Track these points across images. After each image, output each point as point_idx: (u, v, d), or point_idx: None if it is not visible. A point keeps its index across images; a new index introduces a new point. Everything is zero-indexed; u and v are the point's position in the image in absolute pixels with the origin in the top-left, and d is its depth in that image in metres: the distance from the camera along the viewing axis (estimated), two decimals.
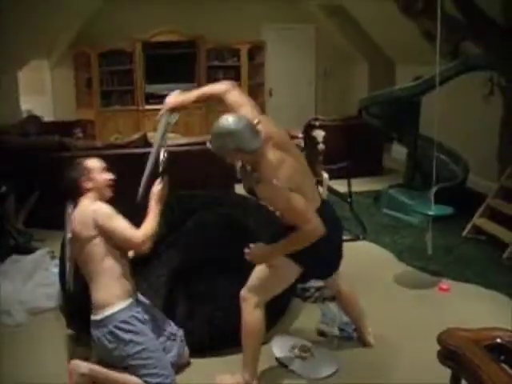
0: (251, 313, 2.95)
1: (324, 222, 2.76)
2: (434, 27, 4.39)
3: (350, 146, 7.05)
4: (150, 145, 5.70)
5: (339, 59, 10.64)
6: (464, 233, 5.28)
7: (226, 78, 10.63)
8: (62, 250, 3.63)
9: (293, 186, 2.70)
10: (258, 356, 3.02)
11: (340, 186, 5.61)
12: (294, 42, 10.71)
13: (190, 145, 5.85)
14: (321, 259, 2.97)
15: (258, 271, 2.97)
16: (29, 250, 4.80)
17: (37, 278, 4.32)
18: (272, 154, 2.72)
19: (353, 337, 3.52)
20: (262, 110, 10.91)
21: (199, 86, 10.64)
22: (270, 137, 2.76)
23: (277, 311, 3.65)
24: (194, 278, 3.45)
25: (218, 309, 3.35)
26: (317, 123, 5.24)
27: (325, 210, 2.91)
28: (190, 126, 10.17)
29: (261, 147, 2.70)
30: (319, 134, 5.15)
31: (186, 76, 10.61)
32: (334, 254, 3.16)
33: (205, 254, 3.53)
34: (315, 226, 2.72)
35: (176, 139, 6.34)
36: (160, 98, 11.45)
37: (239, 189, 5.83)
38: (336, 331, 3.57)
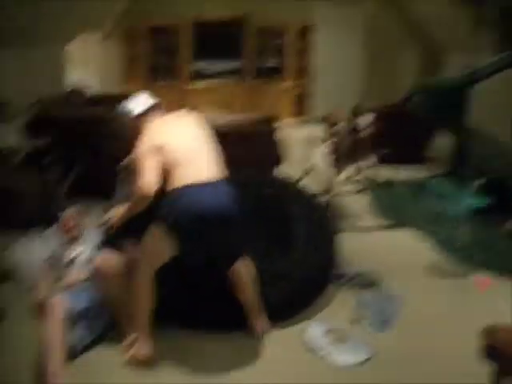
0: (139, 283, 3.02)
1: (199, 203, 2.83)
2: (492, 15, 4.27)
3: (394, 132, 6.91)
4: None
5: (389, 44, 10.43)
6: (507, 226, 5.15)
7: (272, 58, 10.67)
8: None
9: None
10: (148, 325, 3.06)
11: (384, 172, 5.53)
12: (343, 24, 10.54)
13: (231, 125, 5.82)
14: (188, 236, 2.92)
15: (144, 237, 3.04)
16: None
17: None
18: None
19: (383, 327, 3.48)
20: (308, 91, 10.88)
21: (246, 64, 10.64)
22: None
23: (309, 296, 3.65)
24: None
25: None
26: (364, 108, 5.15)
27: (202, 190, 2.90)
28: (234, 104, 10.15)
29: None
30: (366, 119, 5.08)
31: (232, 54, 10.58)
32: (215, 240, 3.03)
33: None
34: (141, 184, 2.86)
35: (218, 118, 6.33)
36: (205, 76, 11.50)
37: (281, 169, 5.82)
38: (369, 319, 3.53)
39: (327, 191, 5.27)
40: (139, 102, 3.27)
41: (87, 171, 5.60)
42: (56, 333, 2.95)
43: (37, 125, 5.97)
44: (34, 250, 4.21)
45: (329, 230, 3.93)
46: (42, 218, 4.99)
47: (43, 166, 5.45)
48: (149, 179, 2.86)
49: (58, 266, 3.69)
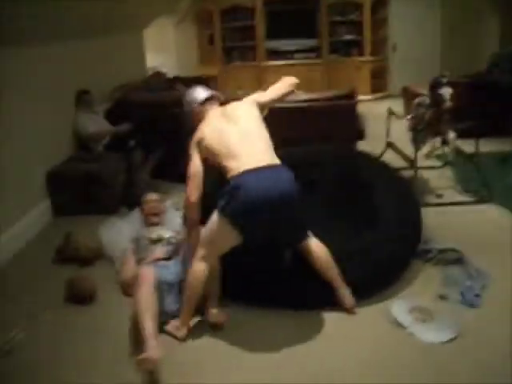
0: (195, 266, 3.09)
1: (252, 189, 2.86)
2: None
3: (478, 104, 6.68)
4: None
5: (467, 12, 10.01)
6: None
7: (347, 33, 10.51)
8: None
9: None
10: (191, 310, 3.15)
11: (467, 145, 5.35)
12: None
13: (312, 101, 5.78)
14: (252, 226, 2.96)
15: (207, 225, 3.08)
16: None
17: None
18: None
19: (475, 303, 3.39)
20: (385, 65, 10.66)
21: (321, 41, 10.52)
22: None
23: (395, 272, 3.61)
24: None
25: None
26: (444, 80, 4.98)
27: (260, 176, 2.93)
28: (312, 81, 10.08)
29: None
30: (446, 92, 4.91)
31: (307, 31, 10.49)
32: (272, 225, 3.04)
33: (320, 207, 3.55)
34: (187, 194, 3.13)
35: (298, 95, 6.30)
36: (281, 54, 11.51)
37: (362, 145, 5.75)
38: (457, 296, 3.44)
39: (409, 166, 5.16)
40: (199, 93, 3.46)
41: (166, 155, 5.74)
42: (149, 299, 3.08)
43: (119, 110, 6.14)
44: (121, 231, 4.38)
45: (413, 205, 3.87)
46: (127, 201, 5.17)
47: (126, 150, 5.63)
48: (192, 189, 3.14)
49: (142, 245, 3.82)
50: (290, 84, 3.44)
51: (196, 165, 3.15)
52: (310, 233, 3.23)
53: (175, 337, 3.14)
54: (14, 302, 3.66)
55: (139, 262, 3.72)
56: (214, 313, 3.18)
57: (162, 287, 3.27)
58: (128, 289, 3.68)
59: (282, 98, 3.46)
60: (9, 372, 2.96)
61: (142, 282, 3.17)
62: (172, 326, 3.20)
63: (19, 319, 3.39)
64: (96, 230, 4.42)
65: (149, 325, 2.97)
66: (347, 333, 3.15)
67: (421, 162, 5.25)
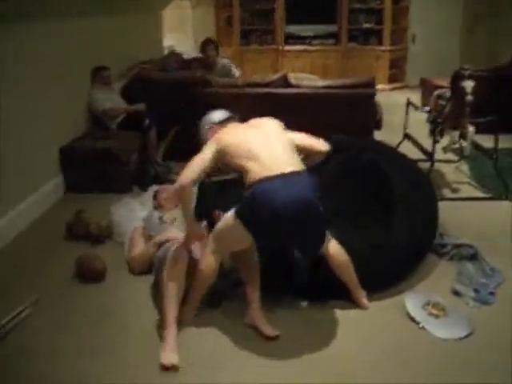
0: (206, 257, 3.07)
1: (270, 198, 2.75)
2: None
3: (499, 98, 6.57)
4: (290, 85, 5.66)
5: (491, 5, 9.86)
6: None
7: (367, 21, 10.38)
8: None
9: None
10: (198, 299, 3.15)
11: (485, 141, 5.27)
12: None
13: (329, 88, 5.71)
14: (266, 231, 2.89)
15: (221, 220, 3.09)
16: (167, 182, 4.96)
17: None
18: None
19: (489, 301, 3.34)
20: (404, 55, 10.55)
21: (341, 28, 10.40)
22: None
23: (410, 265, 3.56)
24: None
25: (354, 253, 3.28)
26: (466, 73, 4.90)
27: (279, 184, 2.80)
28: (328, 68, 10.00)
29: None
30: (468, 85, 4.83)
31: (326, 17, 10.39)
32: (288, 235, 2.99)
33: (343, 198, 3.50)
34: (181, 174, 2.94)
35: (314, 81, 6.24)
36: (299, 39, 11.43)
37: (378, 135, 5.69)
38: (471, 292, 3.40)
39: (426, 159, 5.10)
40: (220, 114, 3.37)
41: (181, 135, 5.67)
42: (177, 285, 3.03)
43: (134, 88, 6.09)
44: (132, 211, 4.35)
45: (431, 198, 3.81)
46: (140, 180, 5.15)
47: (141, 129, 5.60)
48: (187, 172, 2.93)
49: (153, 225, 3.80)
50: (324, 147, 3.22)
51: (205, 158, 3.00)
52: (329, 235, 3.15)
53: (182, 321, 3.09)
54: (23, 277, 3.65)
55: (149, 240, 3.70)
56: (268, 328, 3.03)
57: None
58: (135, 267, 3.67)
59: (309, 151, 3.21)
60: (15, 346, 2.95)
61: (173, 264, 3.08)
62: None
63: (28, 294, 3.36)
64: (108, 208, 4.39)
65: (171, 313, 2.96)
66: (360, 326, 3.11)
67: (438, 155, 5.19)
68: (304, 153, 3.16)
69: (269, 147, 2.96)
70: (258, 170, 2.85)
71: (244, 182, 2.92)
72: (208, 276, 3.07)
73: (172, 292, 3.00)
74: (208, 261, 3.06)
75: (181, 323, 3.05)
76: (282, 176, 2.82)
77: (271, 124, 3.16)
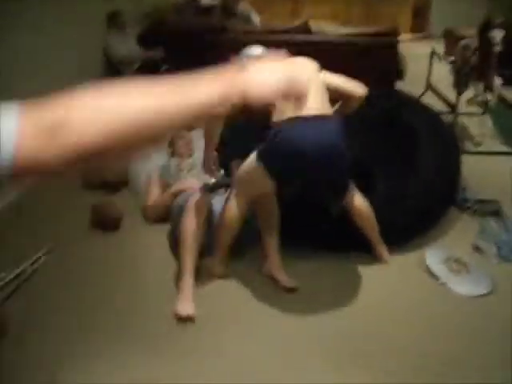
0: (229, 206, 2.98)
1: (293, 139, 2.64)
2: None
3: None
4: (311, 32, 5.50)
5: None
6: None
7: None
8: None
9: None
10: (225, 248, 3.05)
11: (508, 94, 5.12)
12: None
13: (351, 35, 5.54)
14: (289, 174, 2.77)
15: (244, 165, 2.96)
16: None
17: None
18: None
19: (511, 258, 3.28)
20: (428, 4, 10.21)
21: None
22: None
23: (432, 218, 3.49)
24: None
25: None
26: (496, 22, 4.71)
27: (305, 126, 2.67)
28: (350, 16, 9.75)
29: None
30: (497, 35, 4.65)
31: None
32: (315, 176, 2.79)
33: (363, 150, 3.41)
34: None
35: (336, 29, 6.06)
36: None
37: (400, 85, 5.54)
38: (494, 249, 3.33)
39: (449, 111, 4.97)
40: (257, 50, 3.16)
41: None
42: (195, 233, 2.98)
43: (151, 34, 5.96)
44: (148, 158, 4.28)
45: (455, 152, 3.70)
46: None
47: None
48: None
49: (171, 173, 3.76)
50: (360, 90, 2.99)
51: None
52: (353, 186, 3.05)
53: (213, 274, 3.07)
54: (40, 226, 3.63)
55: (165, 188, 3.67)
56: (287, 279, 3.00)
57: (212, 218, 3.19)
58: (150, 215, 3.63)
59: (343, 94, 3.01)
60: (29, 296, 2.94)
61: (193, 212, 3.03)
62: (209, 261, 3.12)
63: (45, 242, 3.34)
64: None
65: (188, 262, 2.92)
66: (380, 281, 3.07)
67: (462, 108, 5.05)
68: (338, 96, 3.01)
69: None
70: (286, 109, 2.72)
71: (269, 121, 2.80)
72: (231, 220, 2.99)
73: (190, 240, 2.96)
74: (231, 205, 2.98)
75: (213, 276, 3.03)
76: (311, 118, 2.70)
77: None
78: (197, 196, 3.13)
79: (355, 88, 3.01)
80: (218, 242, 3.07)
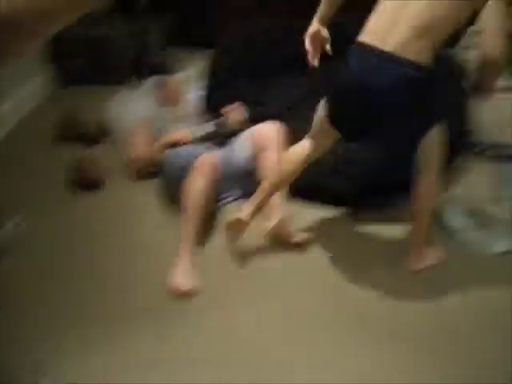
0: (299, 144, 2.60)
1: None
2: None
3: None
4: None
5: None
6: None
7: None
8: None
9: None
10: (268, 195, 2.63)
11: None
12: None
13: None
14: (339, 118, 2.38)
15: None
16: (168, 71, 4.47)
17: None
18: None
19: None
20: None
21: None
22: None
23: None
24: None
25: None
26: None
27: (362, 58, 2.20)
28: None
29: None
30: None
31: None
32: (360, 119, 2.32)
33: None
34: None
35: None
36: None
37: None
38: None
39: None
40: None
41: (182, 17, 5.15)
42: (200, 199, 2.69)
43: None
44: (132, 105, 3.88)
45: (464, 90, 3.30)
46: (138, 70, 4.65)
47: (135, 11, 5.03)
48: None
49: (157, 124, 3.39)
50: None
51: None
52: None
53: (238, 224, 2.63)
54: (10, 187, 3.21)
55: (151, 139, 3.31)
56: (297, 233, 2.72)
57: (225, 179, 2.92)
58: (137, 170, 3.28)
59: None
60: (9, 268, 2.61)
61: (201, 172, 2.74)
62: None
63: (18, 207, 2.99)
64: (103, 102, 3.89)
65: (189, 228, 2.64)
66: (392, 239, 2.80)
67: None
68: None
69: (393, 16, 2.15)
70: (368, 29, 2.22)
71: None
72: (291, 156, 2.60)
73: (196, 203, 2.67)
74: (301, 143, 2.59)
75: (226, 227, 2.69)
76: (374, 51, 2.15)
77: None
78: (206, 156, 2.84)
79: None
80: (263, 184, 2.64)
